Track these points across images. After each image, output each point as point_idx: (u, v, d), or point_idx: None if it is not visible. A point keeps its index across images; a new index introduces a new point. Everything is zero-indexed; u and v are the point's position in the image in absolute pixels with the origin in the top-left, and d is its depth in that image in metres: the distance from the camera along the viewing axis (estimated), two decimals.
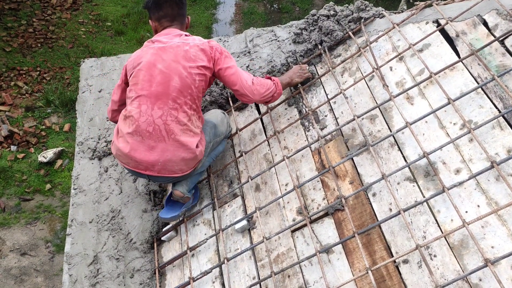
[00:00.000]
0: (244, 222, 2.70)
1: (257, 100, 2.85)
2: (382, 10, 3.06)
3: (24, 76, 8.54)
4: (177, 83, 2.66)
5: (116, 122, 3.05)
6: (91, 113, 3.72)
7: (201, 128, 2.84)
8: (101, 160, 3.46)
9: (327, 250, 2.35)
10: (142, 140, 2.66)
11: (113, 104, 3.00)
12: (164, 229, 3.04)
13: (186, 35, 2.84)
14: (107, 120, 3.62)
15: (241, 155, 3.00)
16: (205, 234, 2.88)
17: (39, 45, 9.22)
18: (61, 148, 7.37)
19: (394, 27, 2.87)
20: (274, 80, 2.90)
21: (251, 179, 2.83)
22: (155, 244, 3.03)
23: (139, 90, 2.68)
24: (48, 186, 6.95)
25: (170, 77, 2.66)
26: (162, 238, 3.03)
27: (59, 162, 7.24)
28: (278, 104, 3.08)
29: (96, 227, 3.16)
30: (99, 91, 3.83)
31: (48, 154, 7.22)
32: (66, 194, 6.89)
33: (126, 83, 2.88)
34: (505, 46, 2.41)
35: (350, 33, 3.07)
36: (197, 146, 2.73)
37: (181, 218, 3.03)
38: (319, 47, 3.19)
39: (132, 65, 2.77)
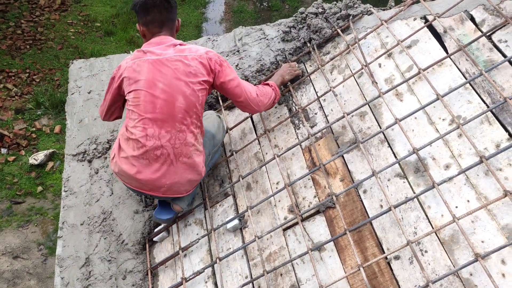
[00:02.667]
0: (236, 221, 2.69)
1: (261, 111, 2.87)
2: (370, 7, 3.06)
3: (13, 78, 8.48)
4: (181, 103, 2.55)
5: (108, 121, 3.00)
6: (80, 114, 3.70)
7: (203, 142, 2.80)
8: (92, 162, 3.44)
9: (319, 248, 2.36)
10: (149, 163, 2.59)
11: (102, 115, 2.94)
12: (156, 230, 3.03)
13: (180, 45, 2.68)
14: (95, 119, 3.61)
15: (232, 154, 3.00)
16: (197, 234, 2.88)
17: (28, 46, 9.15)
18: (52, 150, 7.33)
19: (382, 24, 2.87)
20: (272, 86, 2.87)
21: (242, 178, 2.83)
22: (147, 245, 3.02)
23: (143, 112, 2.55)
24: (39, 188, 6.92)
25: (174, 97, 2.54)
26: (154, 239, 3.02)
27: (50, 164, 7.21)
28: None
29: (87, 229, 3.15)
30: (89, 93, 3.81)
31: (39, 156, 7.18)
32: (58, 196, 6.85)
33: (119, 95, 2.76)
34: (492, 41, 2.42)
35: (339, 30, 3.07)
36: (203, 166, 2.73)
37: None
38: (308, 45, 3.18)
39: (128, 82, 2.62)
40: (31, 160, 7.14)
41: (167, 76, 2.55)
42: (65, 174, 3.44)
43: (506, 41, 2.37)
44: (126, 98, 2.66)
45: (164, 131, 2.55)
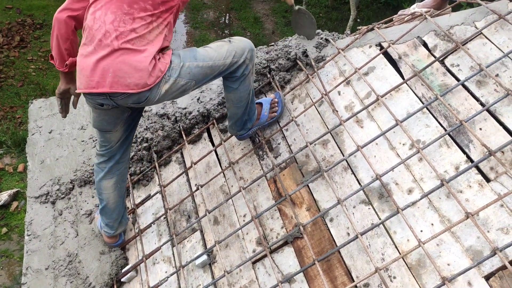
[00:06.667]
0: (204, 257, 2.66)
1: None
2: (327, 36, 3.11)
3: None
4: None
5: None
6: (42, 155, 3.63)
7: (168, 42, 2.42)
8: (55, 203, 3.36)
9: (289, 279, 2.34)
10: (94, 50, 2.25)
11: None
12: (123, 270, 2.96)
13: None
14: (57, 160, 3.54)
15: (197, 189, 2.97)
16: (166, 272, 2.82)
17: None
18: (16, 190, 7.15)
19: (339, 52, 2.92)
20: None
21: (209, 213, 2.80)
22: (115, 286, 2.94)
23: None
24: (4, 230, 6.71)
25: None
26: (122, 280, 2.94)
27: (15, 204, 7.02)
28: (232, 135, 3.06)
29: (52, 273, 3.05)
30: (49, 132, 3.74)
31: (2, 197, 7.00)
32: (23, 237, 6.66)
33: None
34: (445, 66, 2.49)
35: (298, 61, 3.10)
36: (153, 56, 2.29)
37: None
38: (268, 75, 3.20)
39: None
40: None
41: None
42: (27, 217, 3.35)
43: (458, 65, 2.44)
44: None
45: (110, 12, 2.25)
